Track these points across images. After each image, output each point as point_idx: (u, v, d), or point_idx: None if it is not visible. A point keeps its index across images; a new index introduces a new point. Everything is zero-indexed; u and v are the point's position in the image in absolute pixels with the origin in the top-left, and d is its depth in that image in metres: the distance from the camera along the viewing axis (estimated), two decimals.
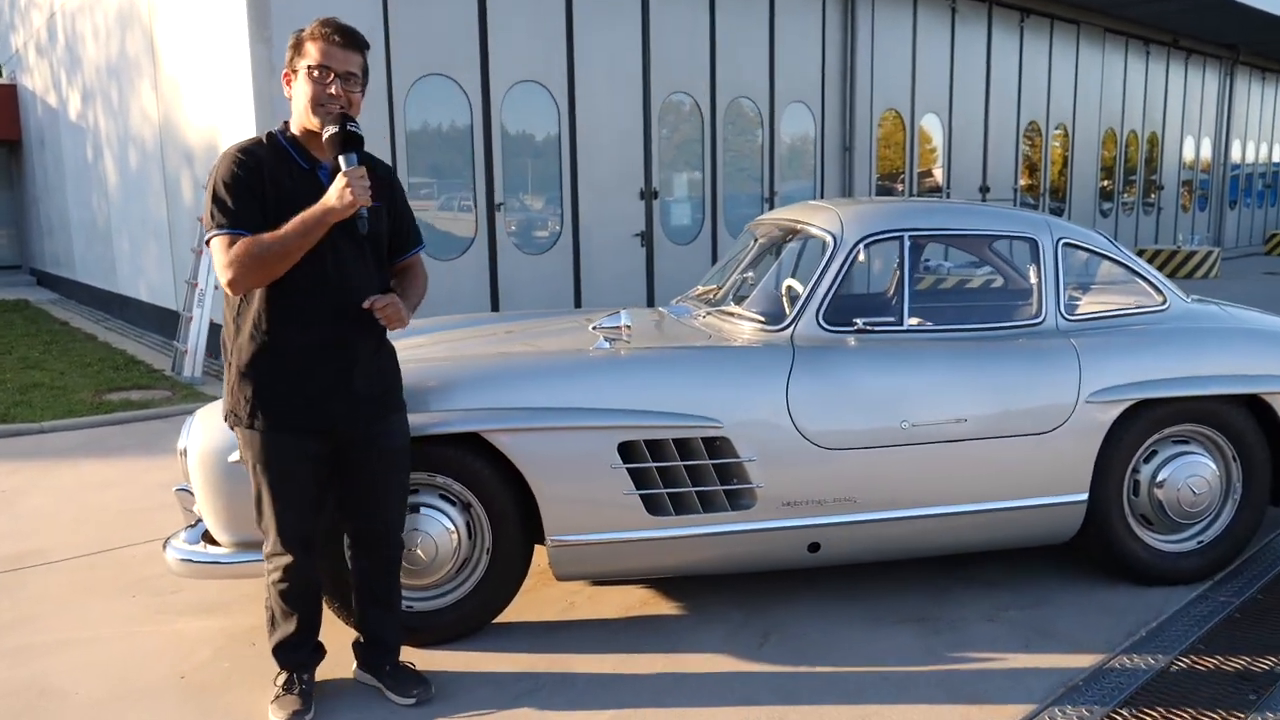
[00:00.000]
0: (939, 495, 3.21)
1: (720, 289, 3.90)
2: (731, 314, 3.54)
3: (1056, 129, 16.73)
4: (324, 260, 2.54)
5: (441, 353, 3.37)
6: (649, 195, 10.64)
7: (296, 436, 2.59)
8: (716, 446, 3.04)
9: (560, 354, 3.15)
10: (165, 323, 10.20)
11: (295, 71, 2.58)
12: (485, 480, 2.97)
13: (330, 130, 2.50)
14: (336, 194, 2.45)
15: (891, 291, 3.90)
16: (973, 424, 3.20)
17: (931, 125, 14.39)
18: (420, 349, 3.46)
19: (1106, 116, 17.92)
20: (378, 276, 2.69)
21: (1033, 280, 3.53)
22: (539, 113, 9.67)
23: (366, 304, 2.54)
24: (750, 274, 3.72)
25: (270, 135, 2.64)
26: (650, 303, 10.83)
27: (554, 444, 2.92)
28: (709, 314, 3.69)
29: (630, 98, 10.30)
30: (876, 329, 3.26)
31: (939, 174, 14.45)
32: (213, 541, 3.05)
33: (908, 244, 3.38)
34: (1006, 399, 3.25)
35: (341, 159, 2.47)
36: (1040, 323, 3.47)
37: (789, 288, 3.46)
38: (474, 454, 2.95)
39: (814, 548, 3.18)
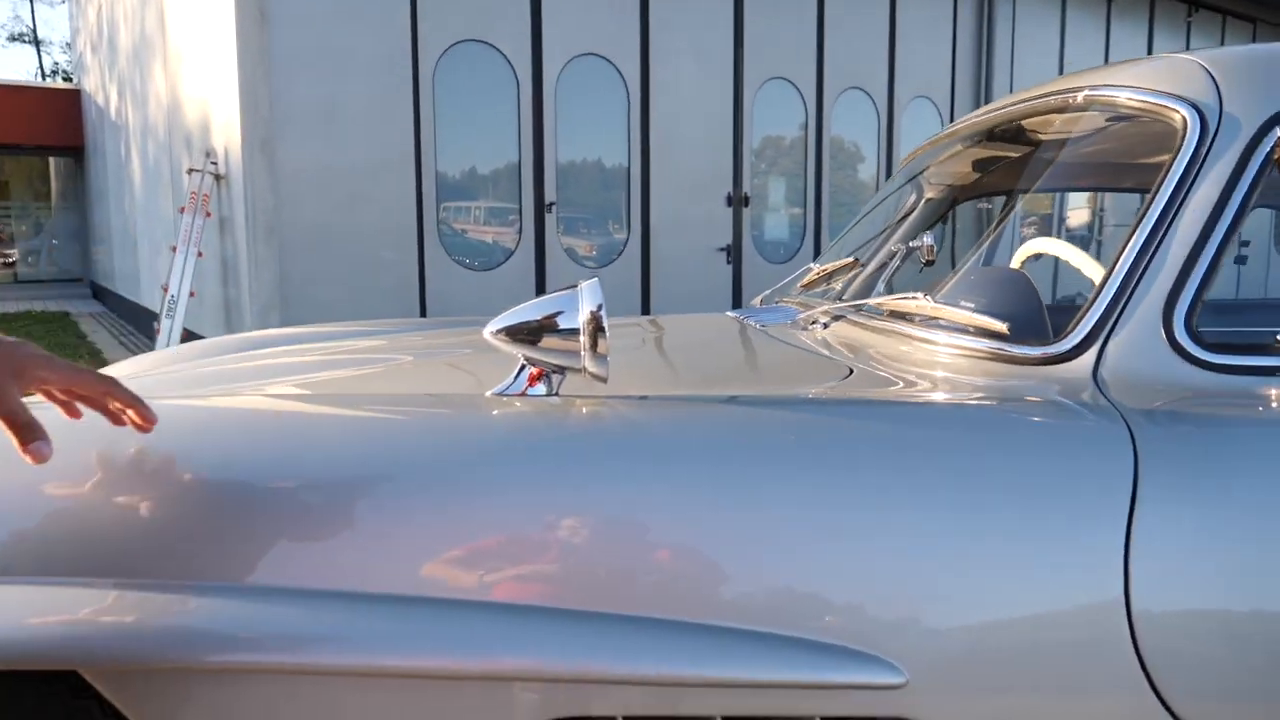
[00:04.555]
0: None
1: (862, 267, 1.80)
2: (905, 315, 1.43)
3: None
4: None
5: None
6: (739, 201, 8.66)
7: None
8: None
9: (377, 417, 1.05)
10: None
11: None
12: None
13: None
14: None
15: None
16: None
17: None
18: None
19: None
20: None
21: None
22: (604, 93, 7.81)
23: None
24: (929, 240, 1.61)
25: None
26: None
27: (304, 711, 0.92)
28: (837, 318, 1.64)
29: (719, 81, 8.36)
30: None
31: None
32: None
33: None
34: None
35: None
36: None
37: (1067, 251, 1.37)
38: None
39: None
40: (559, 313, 0.99)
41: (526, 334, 1.01)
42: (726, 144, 8.52)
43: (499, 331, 1.02)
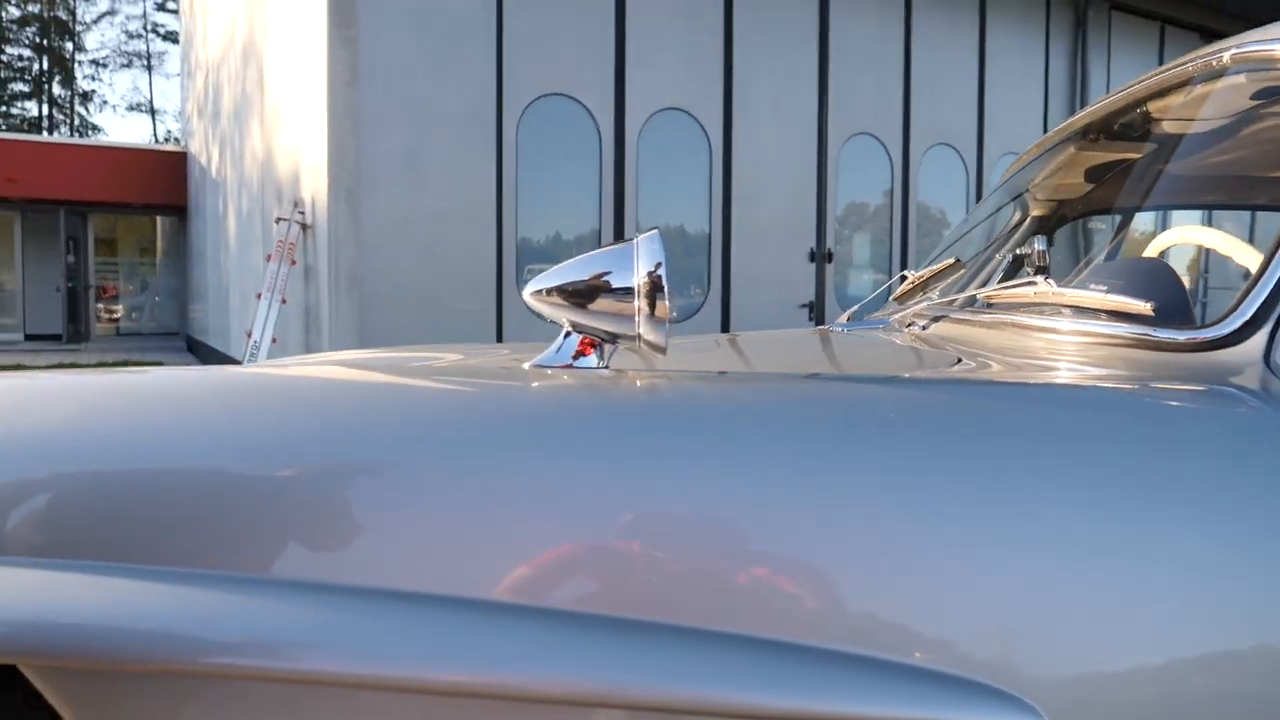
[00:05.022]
0: None
1: (966, 273, 1.61)
2: (1020, 306, 1.22)
3: None
4: None
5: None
6: (822, 257, 8.47)
7: None
8: None
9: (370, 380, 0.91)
10: None
11: None
12: None
13: None
14: None
15: None
16: None
17: None
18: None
19: None
20: None
21: None
22: (685, 147, 7.78)
23: None
24: (1040, 245, 1.41)
25: None
26: None
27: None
28: (938, 319, 1.44)
29: (802, 136, 8.26)
30: None
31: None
32: None
33: None
34: None
35: None
36: None
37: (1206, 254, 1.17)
38: None
39: None
40: (611, 271, 0.83)
41: (573, 295, 0.85)
42: (810, 199, 8.39)
43: (540, 292, 0.86)
